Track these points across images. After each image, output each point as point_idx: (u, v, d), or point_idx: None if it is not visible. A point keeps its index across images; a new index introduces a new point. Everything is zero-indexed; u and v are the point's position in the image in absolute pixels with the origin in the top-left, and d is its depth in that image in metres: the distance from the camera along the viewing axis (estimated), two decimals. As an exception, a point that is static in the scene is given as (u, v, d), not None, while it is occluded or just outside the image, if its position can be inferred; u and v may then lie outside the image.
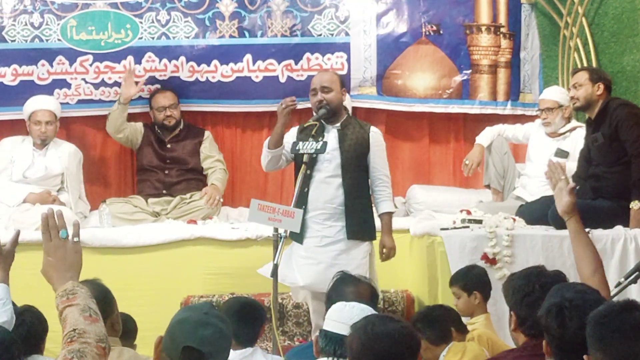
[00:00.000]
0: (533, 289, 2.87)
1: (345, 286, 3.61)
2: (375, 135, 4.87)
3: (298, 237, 4.80)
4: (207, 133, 6.59)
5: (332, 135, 4.81)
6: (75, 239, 2.40)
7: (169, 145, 6.47)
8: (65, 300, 2.20)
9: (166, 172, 6.42)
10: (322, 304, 3.66)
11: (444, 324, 3.88)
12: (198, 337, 2.37)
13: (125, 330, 3.94)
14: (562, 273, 3.02)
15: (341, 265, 4.54)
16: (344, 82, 4.96)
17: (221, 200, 6.32)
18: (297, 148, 4.70)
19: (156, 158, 6.46)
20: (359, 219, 4.75)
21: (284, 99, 4.81)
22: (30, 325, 3.57)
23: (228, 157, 6.79)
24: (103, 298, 3.11)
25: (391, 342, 2.45)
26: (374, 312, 2.94)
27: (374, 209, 4.93)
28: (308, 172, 4.77)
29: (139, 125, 6.51)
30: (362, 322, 2.56)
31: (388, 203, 4.86)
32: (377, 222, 4.93)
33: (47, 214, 2.37)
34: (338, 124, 4.84)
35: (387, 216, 4.85)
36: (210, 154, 6.51)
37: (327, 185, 4.76)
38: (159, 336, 2.47)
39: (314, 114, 4.89)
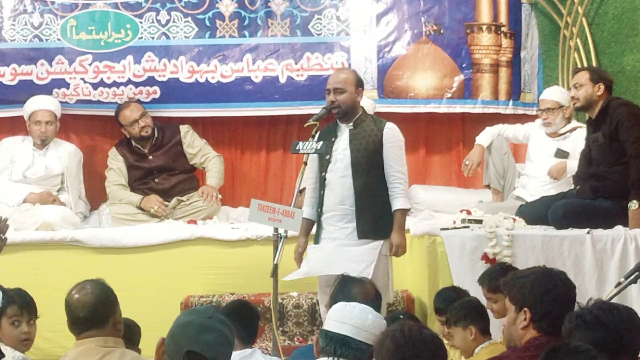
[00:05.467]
0: (555, 284, 2.88)
1: (348, 287, 3.58)
2: (390, 131, 4.72)
3: (316, 237, 4.79)
4: (183, 128, 6.50)
5: (344, 135, 4.74)
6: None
7: (150, 157, 6.41)
8: None
9: (156, 180, 6.39)
10: None
11: (488, 317, 3.84)
12: (201, 341, 2.36)
13: (129, 335, 3.94)
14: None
15: (344, 252, 4.53)
16: (360, 81, 4.81)
17: (219, 196, 6.30)
18: (297, 148, 4.67)
19: (142, 173, 6.40)
20: (371, 218, 4.65)
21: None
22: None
23: (228, 157, 6.78)
24: (106, 298, 3.11)
25: (425, 347, 2.52)
26: (374, 313, 2.95)
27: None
28: (323, 173, 4.74)
29: (118, 162, 6.39)
30: (397, 325, 2.63)
31: (401, 200, 4.68)
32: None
33: None
34: (351, 123, 4.74)
35: (399, 213, 4.68)
36: (195, 150, 6.45)
37: (340, 186, 4.69)
38: (161, 338, 2.45)
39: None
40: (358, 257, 4.40)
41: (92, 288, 3.10)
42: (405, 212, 4.74)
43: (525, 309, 2.88)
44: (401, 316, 3.92)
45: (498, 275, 3.90)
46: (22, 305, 3.45)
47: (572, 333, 2.36)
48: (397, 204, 4.68)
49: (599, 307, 2.46)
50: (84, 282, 3.15)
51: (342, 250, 4.57)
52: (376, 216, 4.67)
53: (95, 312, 3.03)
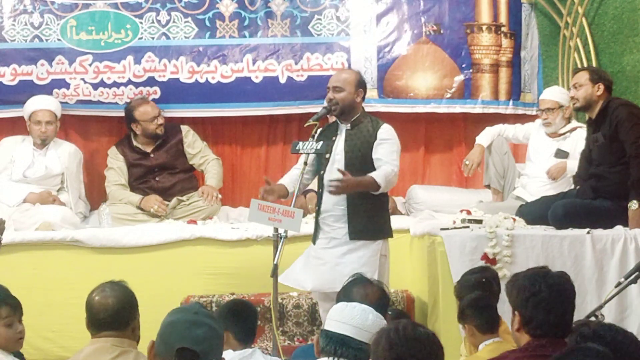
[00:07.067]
0: (539, 289, 2.88)
1: (355, 288, 3.59)
2: (384, 131, 4.67)
3: (313, 237, 4.79)
4: (184, 128, 6.51)
5: (342, 135, 4.73)
6: None
7: (152, 155, 6.41)
8: None
9: (156, 179, 6.40)
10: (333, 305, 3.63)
11: (494, 313, 3.81)
12: (191, 337, 2.37)
13: None
14: (566, 274, 3.01)
15: (346, 264, 4.52)
16: (362, 82, 4.78)
17: (219, 196, 6.30)
18: (297, 148, 4.66)
19: (143, 171, 6.40)
20: (363, 219, 4.63)
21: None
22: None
23: (228, 157, 6.79)
24: (128, 303, 3.12)
25: (420, 346, 2.52)
26: (375, 313, 2.94)
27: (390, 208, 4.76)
28: (322, 172, 4.73)
29: (119, 162, 6.39)
30: (392, 323, 2.63)
31: (380, 175, 4.49)
32: (391, 223, 4.82)
33: None
34: (348, 124, 4.74)
35: (369, 178, 4.48)
36: (196, 151, 6.46)
37: None
38: (151, 341, 2.47)
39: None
40: (361, 269, 4.38)
41: (114, 291, 3.11)
42: (374, 183, 4.49)
43: (516, 312, 2.91)
44: (390, 312, 3.93)
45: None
46: (14, 305, 3.46)
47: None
48: (374, 174, 4.52)
49: (597, 324, 2.50)
50: (104, 284, 3.16)
51: (343, 265, 4.54)
52: (369, 217, 4.65)
53: (116, 316, 3.07)
